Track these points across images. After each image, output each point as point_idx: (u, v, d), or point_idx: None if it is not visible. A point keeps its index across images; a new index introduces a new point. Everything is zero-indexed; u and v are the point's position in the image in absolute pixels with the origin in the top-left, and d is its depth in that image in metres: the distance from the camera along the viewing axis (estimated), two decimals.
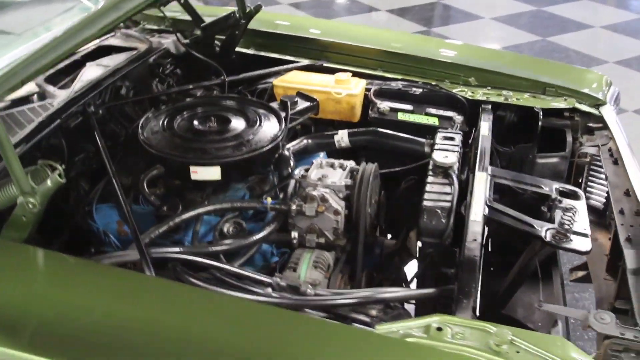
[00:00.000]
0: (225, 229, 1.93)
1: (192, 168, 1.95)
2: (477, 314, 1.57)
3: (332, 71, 2.70)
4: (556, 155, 2.50)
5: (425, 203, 1.84)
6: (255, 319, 1.40)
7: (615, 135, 2.37)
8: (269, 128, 2.12)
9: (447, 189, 1.88)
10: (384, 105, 2.53)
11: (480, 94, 2.58)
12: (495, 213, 1.95)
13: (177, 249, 1.71)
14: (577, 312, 1.63)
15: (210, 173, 1.96)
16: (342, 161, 2.08)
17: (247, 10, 2.69)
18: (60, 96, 2.20)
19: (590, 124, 2.54)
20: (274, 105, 2.33)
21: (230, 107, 2.24)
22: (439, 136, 2.20)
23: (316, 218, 1.89)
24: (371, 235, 2.01)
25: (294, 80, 2.62)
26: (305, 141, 2.30)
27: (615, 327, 1.55)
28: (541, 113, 2.48)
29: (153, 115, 2.15)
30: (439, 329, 1.44)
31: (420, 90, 2.61)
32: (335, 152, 2.37)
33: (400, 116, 2.51)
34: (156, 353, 1.30)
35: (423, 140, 2.27)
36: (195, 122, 2.11)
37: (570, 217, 1.93)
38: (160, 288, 1.48)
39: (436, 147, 2.11)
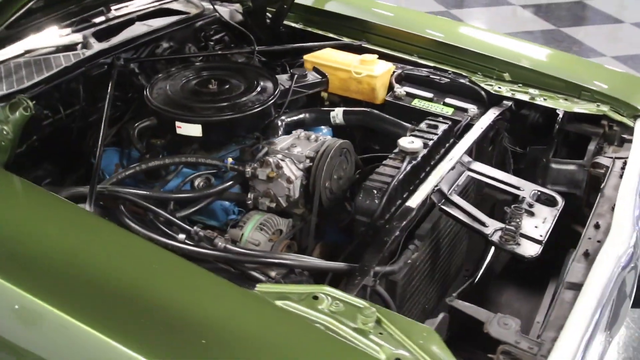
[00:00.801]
0: (195, 183, 2.08)
1: (177, 123, 2.11)
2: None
3: (369, 52, 2.74)
4: (572, 163, 2.37)
5: (366, 182, 1.87)
6: (143, 256, 1.53)
7: (636, 150, 2.20)
8: (262, 95, 2.23)
9: (395, 172, 1.88)
10: (401, 89, 2.53)
11: (506, 90, 2.50)
12: (449, 205, 1.93)
13: (128, 189, 1.88)
14: (483, 314, 1.59)
15: (192, 130, 2.12)
16: (320, 135, 2.14)
17: None
18: (96, 48, 2.46)
19: (625, 135, 2.37)
20: (284, 76, 2.42)
21: (235, 73, 2.36)
22: (423, 123, 2.18)
23: (271, 183, 1.97)
24: (334, 209, 2.05)
25: (323, 57, 2.69)
26: (303, 115, 2.37)
27: (513, 334, 1.50)
28: (561, 115, 2.36)
29: (165, 74, 2.34)
30: (315, 297, 1.48)
31: (446, 79, 2.57)
32: (336, 130, 2.42)
33: (415, 102, 2.50)
34: (45, 270, 1.47)
35: (409, 125, 2.25)
36: (194, 83, 2.27)
37: (532, 222, 1.86)
38: (85, 220, 1.65)
39: (413, 133, 2.10)
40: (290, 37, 2.97)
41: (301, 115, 2.36)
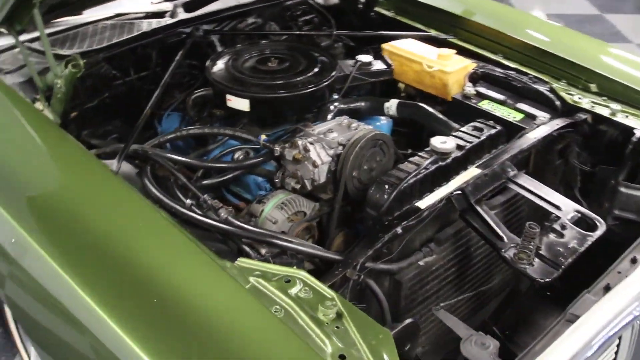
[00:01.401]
0: (235, 155, 2.13)
1: (227, 96, 2.18)
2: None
3: (452, 47, 2.64)
4: None
5: (382, 176, 1.82)
6: (136, 216, 1.60)
7: None
8: (316, 78, 2.23)
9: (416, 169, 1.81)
10: (471, 88, 2.41)
11: (587, 102, 2.30)
12: (471, 213, 1.82)
13: (160, 152, 1.97)
14: (462, 330, 1.50)
15: (241, 104, 2.17)
16: (362, 124, 2.10)
17: None
18: (180, 17, 2.59)
19: None
20: (350, 62, 2.41)
21: (299, 54, 2.38)
22: (470, 124, 2.07)
23: (298, 165, 1.97)
24: (362, 199, 2.01)
25: (401, 47, 2.62)
26: (360, 103, 2.34)
27: (487, 356, 1.41)
28: (638, 135, 2.14)
29: (231, 49, 2.41)
30: (288, 280, 1.48)
31: (524, 84, 2.41)
32: (395, 121, 2.37)
33: (484, 104, 2.37)
34: (43, 212, 1.61)
35: (456, 125, 2.14)
36: (255, 60, 2.32)
37: (551, 242, 1.72)
38: (100, 176, 1.75)
39: (454, 133, 2.00)
40: (380, 24, 2.93)
41: (356, 103, 2.33)
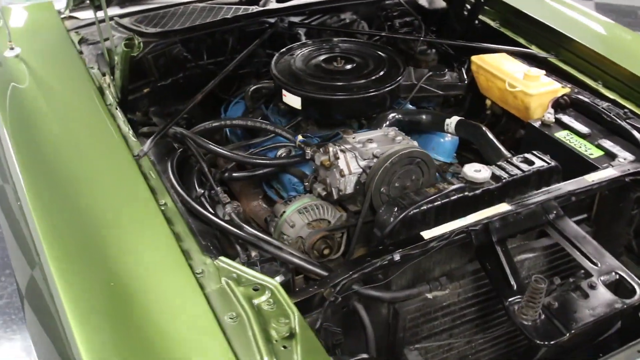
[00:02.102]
0: (278, 152, 2.11)
1: (283, 91, 2.15)
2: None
3: (552, 68, 2.42)
4: None
5: (398, 197, 1.70)
6: (132, 202, 1.64)
7: None
8: (376, 84, 2.14)
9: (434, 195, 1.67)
10: (551, 116, 2.18)
11: None
12: (488, 252, 1.66)
13: (196, 137, 1.99)
14: None
15: (293, 101, 2.13)
16: (408, 139, 1.98)
17: None
18: (270, 6, 2.60)
19: None
20: (425, 71, 2.28)
21: (371, 58, 2.29)
22: (521, 155, 1.86)
23: (328, 171, 1.90)
24: None
25: (490, 61, 2.43)
26: (421, 115, 2.20)
27: None
28: None
29: (300, 45, 2.37)
30: (256, 289, 1.44)
31: (616, 118, 2.14)
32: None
33: (561, 134, 2.13)
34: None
35: (508, 154, 1.94)
36: (322, 58, 2.26)
37: (570, 301, 1.52)
38: (120, 159, 1.80)
39: (499, 163, 1.82)
40: (482, 34, 2.74)
41: (417, 116, 2.20)
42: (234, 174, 2.01)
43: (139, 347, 1.27)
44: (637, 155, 2.00)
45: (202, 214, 1.69)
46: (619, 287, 1.60)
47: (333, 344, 1.57)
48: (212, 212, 1.72)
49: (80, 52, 2.32)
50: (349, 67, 2.23)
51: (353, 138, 1.97)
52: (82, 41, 2.37)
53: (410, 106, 2.36)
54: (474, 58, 2.47)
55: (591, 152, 2.05)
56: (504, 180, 1.75)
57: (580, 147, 2.08)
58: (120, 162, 1.76)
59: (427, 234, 1.60)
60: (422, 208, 1.65)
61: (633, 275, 1.60)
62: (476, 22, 2.77)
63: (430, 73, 2.27)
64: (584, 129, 2.13)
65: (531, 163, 1.82)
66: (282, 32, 2.56)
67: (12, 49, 2.22)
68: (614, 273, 1.60)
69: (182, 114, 2.06)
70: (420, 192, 1.71)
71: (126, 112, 2.22)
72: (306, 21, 2.65)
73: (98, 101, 2.01)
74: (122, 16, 2.50)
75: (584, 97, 2.26)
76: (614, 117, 2.12)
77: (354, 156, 1.90)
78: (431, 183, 1.91)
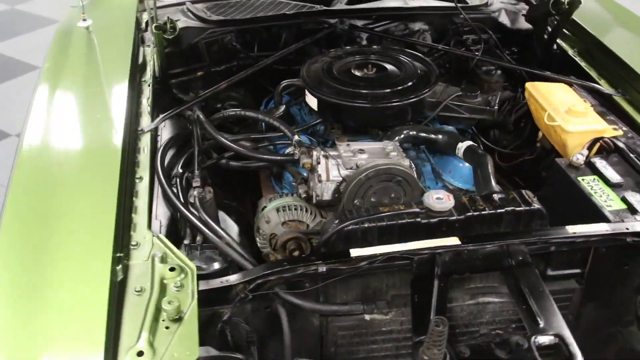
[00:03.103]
0: (288, 149, 2.14)
1: (306, 91, 2.18)
2: None
3: (615, 107, 2.20)
4: None
5: (346, 210, 1.67)
6: (91, 180, 1.73)
7: None
8: (394, 96, 2.09)
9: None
10: (582, 157, 1.98)
11: None
12: (422, 282, 1.57)
13: (206, 122, 2.09)
14: None
15: (312, 102, 2.15)
16: (402, 156, 1.91)
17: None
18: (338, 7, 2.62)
19: None
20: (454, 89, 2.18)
21: (408, 69, 2.23)
22: (503, 192, 1.72)
23: (311, 175, 1.90)
24: None
25: (541, 89, 2.25)
26: (438, 135, 2.09)
27: None
28: None
29: (341, 49, 2.38)
30: (173, 269, 1.50)
31: None
32: None
33: (586, 180, 1.93)
34: None
35: (495, 189, 1.79)
36: (354, 63, 2.25)
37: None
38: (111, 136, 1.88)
39: (476, 195, 1.70)
40: (559, 61, 2.54)
41: (433, 135, 2.11)
42: (231, 163, 2.08)
43: (25, 294, 1.38)
44: None
45: (164, 192, 1.77)
46: (557, 353, 1.44)
47: (247, 340, 1.59)
48: (175, 192, 1.80)
49: (144, 31, 2.51)
50: (378, 74, 2.19)
51: (347, 145, 1.95)
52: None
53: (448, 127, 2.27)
54: (528, 85, 2.31)
55: (611, 203, 1.84)
56: (467, 214, 1.64)
57: (600, 195, 1.87)
58: (113, 134, 1.89)
59: (355, 252, 1.55)
60: (362, 225, 1.60)
61: (575, 344, 1.43)
62: (555, 47, 2.57)
63: (459, 93, 2.15)
64: (616, 177, 1.91)
65: (511, 202, 1.68)
66: (341, 33, 2.56)
67: (84, 20, 2.46)
68: (554, 336, 1.44)
69: (200, 98, 2.16)
70: (369, 210, 1.65)
71: (169, 90, 2.38)
72: (371, 26, 2.62)
73: (131, 76, 2.17)
74: (195, 2, 2.65)
75: (634, 144, 2.03)
76: None
77: (337, 164, 1.88)
78: None
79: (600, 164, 1.98)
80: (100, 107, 2.01)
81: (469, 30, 2.64)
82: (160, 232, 1.69)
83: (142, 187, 1.79)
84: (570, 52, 2.53)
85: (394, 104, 2.06)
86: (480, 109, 2.17)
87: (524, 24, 2.70)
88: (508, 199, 1.69)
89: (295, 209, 1.92)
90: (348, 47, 2.40)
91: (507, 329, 1.65)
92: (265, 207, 1.96)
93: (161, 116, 2.05)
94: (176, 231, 1.78)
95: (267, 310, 1.62)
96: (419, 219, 1.62)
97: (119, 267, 1.50)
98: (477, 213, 1.64)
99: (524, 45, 2.72)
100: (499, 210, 1.65)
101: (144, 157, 1.89)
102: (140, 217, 1.69)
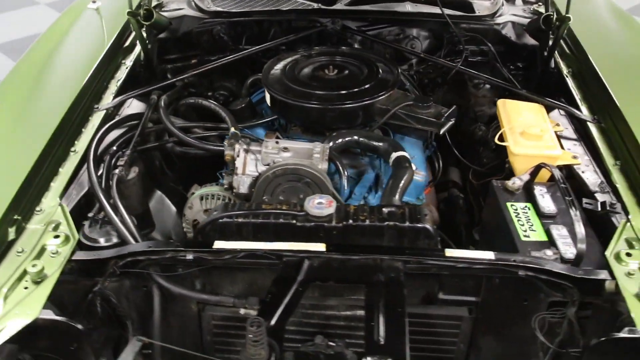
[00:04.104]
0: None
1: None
2: None
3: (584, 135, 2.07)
4: None
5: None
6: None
7: None
8: (340, 99, 2.08)
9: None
10: (519, 182, 1.87)
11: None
12: (282, 284, 1.57)
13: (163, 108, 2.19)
14: None
15: (267, 97, 2.18)
16: (324, 159, 1.90)
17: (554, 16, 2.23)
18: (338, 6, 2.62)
19: None
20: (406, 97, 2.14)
21: (367, 69, 2.22)
22: (404, 207, 1.67)
23: (232, 167, 1.94)
24: None
25: (509, 107, 2.15)
26: (379, 143, 2.05)
27: None
28: None
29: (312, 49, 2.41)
30: (57, 236, 1.61)
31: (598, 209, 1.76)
32: None
33: (514, 206, 1.82)
34: None
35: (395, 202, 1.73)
36: (314, 66, 2.28)
37: None
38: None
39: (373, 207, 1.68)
40: (554, 80, 2.39)
41: (374, 142, 2.05)
42: (176, 148, 2.15)
43: None
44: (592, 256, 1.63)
45: (90, 169, 1.86)
46: None
47: (116, 314, 1.67)
48: (94, 167, 1.87)
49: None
50: (335, 76, 2.18)
51: (276, 143, 1.97)
52: (157, 6, 2.68)
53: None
54: (499, 102, 2.21)
55: (531, 234, 1.73)
56: (345, 223, 1.61)
57: (522, 224, 1.77)
58: (60, 104, 2.02)
59: (219, 244, 1.57)
60: (236, 219, 1.62)
61: None
62: (552, 65, 2.42)
63: (410, 102, 2.09)
64: (550, 208, 1.80)
65: (397, 218, 1.63)
66: (332, 33, 2.55)
67: (94, 2, 2.64)
68: None
69: (160, 85, 2.26)
70: (248, 206, 1.67)
71: (157, 74, 2.50)
72: (365, 28, 2.59)
73: (108, 57, 2.31)
74: None
75: (585, 176, 1.89)
76: (596, 208, 1.76)
77: (255, 159, 1.90)
78: None
79: (539, 191, 1.87)
80: (64, 79, 2.17)
81: (468, 40, 2.54)
82: (71, 203, 1.80)
83: (74, 159, 1.91)
84: (565, 71, 2.37)
85: (336, 106, 2.04)
86: (426, 120, 2.08)
87: (531, 39, 2.56)
88: (396, 213, 1.64)
89: (217, 199, 1.97)
90: (318, 47, 2.40)
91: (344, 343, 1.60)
92: (193, 193, 2.02)
93: (119, 97, 2.16)
94: (91, 204, 1.88)
95: (144, 290, 1.68)
96: (294, 221, 1.62)
97: (12, 228, 1.64)
98: (356, 223, 1.61)
99: (530, 60, 2.58)
100: (379, 224, 1.61)
101: (88, 133, 2.01)
102: (56, 185, 1.81)
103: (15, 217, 1.66)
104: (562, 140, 2.07)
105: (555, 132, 2.08)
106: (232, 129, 2.05)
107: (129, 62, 2.39)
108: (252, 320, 1.35)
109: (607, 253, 1.58)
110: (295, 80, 2.17)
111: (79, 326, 1.51)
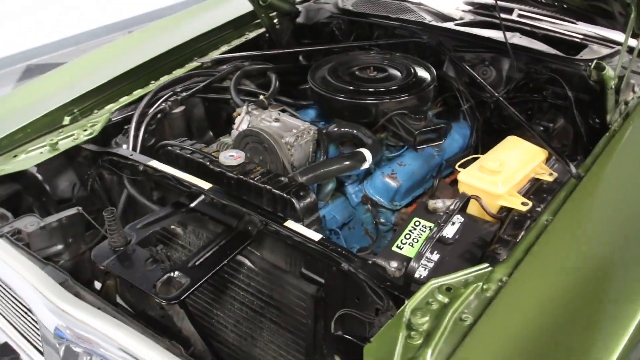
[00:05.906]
0: None
1: None
2: None
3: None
4: None
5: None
6: None
7: None
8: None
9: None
10: (440, 204, 1.89)
11: None
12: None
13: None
14: None
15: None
16: (307, 137, 2.19)
17: None
18: (446, 25, 2.76)
19: None
20: None
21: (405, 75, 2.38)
22: (301, 184, 1.89)
23: None
24: None
25: (514, 143, 2.10)
26: (368, 139, 2.20)
27: None
28: None
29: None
30: None
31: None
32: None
33: (418, 221, 1.87)
34: None
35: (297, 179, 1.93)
36: (356, 67, 2.48)
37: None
38: None
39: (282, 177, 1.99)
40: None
41: (363, 137, 2.23)
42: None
43: None
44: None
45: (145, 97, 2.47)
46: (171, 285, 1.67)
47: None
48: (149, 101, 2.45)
49: None
50: (369, 76, 2.39)
51: (279, 114, 2.30)
52: None
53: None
54: (508, 137, 2.15)
55: (405, 247, 1.80)
56: (238, 176, 1.92)
57: (408, 237, 1.83)
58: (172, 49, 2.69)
59: (153, 163, 2.04)
60: (175, 150, 2.10)
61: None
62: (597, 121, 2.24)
63: (404, 111, 2.18)
64: (449, 235, 1.81)
65: (275, 184, 1.87)
66: (427, 45, 2.67)
67: None
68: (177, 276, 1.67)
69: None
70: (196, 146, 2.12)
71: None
72: (461, 49, 2.63)
73: (239, 26, 2.90)
74: None
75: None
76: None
77: (248, 121, 2.28)
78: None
79: (455, 219, 1.87)
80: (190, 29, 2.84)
81: (547, 80, 2.44)
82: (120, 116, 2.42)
83: (147, 89, 2.53)
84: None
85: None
86: (407, 131, 2.15)
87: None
88: (282, 182, 1.88)
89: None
90: (375, 49, 2.60)
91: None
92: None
93: (217, 56, 2.72)
94: None
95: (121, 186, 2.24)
96: (207, 163, 1.99)
97: (69, 117, 2.37)
98: (246, 179, 1.90)
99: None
100: (260, 185, 1.87)
101: (172, 75, 2.62)
102: (122, 100, 2.48)
103: (75, 110, 2.37)
104: (540, 189, 1.95)
105: (538, 179, 1.98)
106: (261, 97, 2.44)
107: (252, 35, 2.93)
108: (106, 209, 1.79)
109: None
110: (334, 74, 2.42)
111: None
